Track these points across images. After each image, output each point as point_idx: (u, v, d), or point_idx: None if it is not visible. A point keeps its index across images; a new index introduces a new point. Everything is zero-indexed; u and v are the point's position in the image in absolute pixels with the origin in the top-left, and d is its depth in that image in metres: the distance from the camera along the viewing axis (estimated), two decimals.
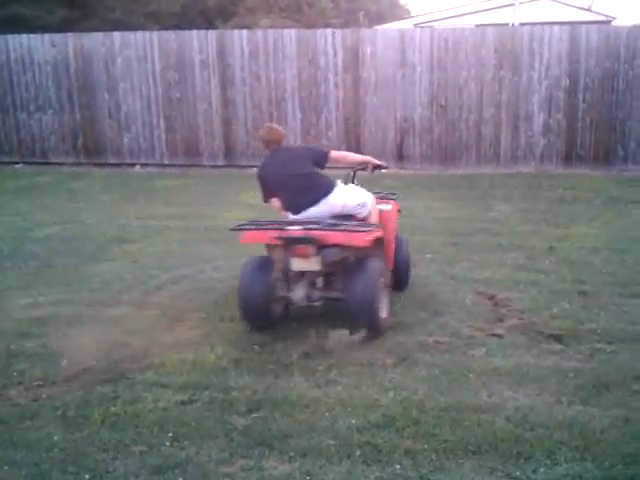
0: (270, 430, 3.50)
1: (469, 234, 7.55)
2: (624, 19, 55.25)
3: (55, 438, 3.51)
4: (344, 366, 4.25)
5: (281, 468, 3.20)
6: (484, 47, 11.66)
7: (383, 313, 4.74)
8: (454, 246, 7.08)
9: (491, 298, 5.44)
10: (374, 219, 5.14)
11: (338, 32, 12.34)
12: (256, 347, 4.57)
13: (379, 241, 5.01)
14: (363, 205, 5.12)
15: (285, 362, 4.32)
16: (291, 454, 3.30)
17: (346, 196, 5.08)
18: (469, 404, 3.75)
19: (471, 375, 4.11)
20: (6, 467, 3.27)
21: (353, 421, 3.57)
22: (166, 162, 13.07)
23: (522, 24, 16.98)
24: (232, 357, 4.40)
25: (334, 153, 5.28)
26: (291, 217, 5.06)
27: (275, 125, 5.42)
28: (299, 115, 12.43)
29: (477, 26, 14.91)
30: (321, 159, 5.14)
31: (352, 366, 4.26)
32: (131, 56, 12.87)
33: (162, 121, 12.98)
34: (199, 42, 12.60)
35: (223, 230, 7.95)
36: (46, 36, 13.39)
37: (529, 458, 3.25)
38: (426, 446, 3.34)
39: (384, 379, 4.07)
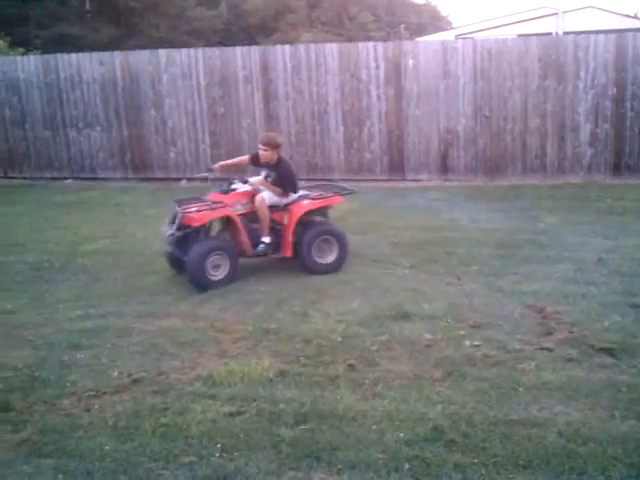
0: (318, 442, 3.51)
1: (516, 246, 7.45)
2: None
3: (107, 448, 3.57)
4: (390, 379, 4.24)
5: None
6: (528, 57, 11.54)
7: None
8: (501, 258, 6.99)
9: (540, 311, 5.36)
10: None
11: (380, 45, 12.37)
12: (302, 359, 4.59)
13: None
14: None
15: (331, 375, 4.33)
16: (339, 466, 3.30)
17: None
18: (519, 418, 3.70)
19: (520, 389, 4.05)
20: (61, 476, 3.34)
21: (401, 434, 3.55)
22: (210, 176, 13.21)
23: (566, 33, 16.79)
24: (278, 369, 4.42)
25: None
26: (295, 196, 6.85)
27: None
28: (341, 128, 12.47)
29: (520, 36, 14.79)
30: None
31: (399, 379, 4.24)
32: (176, 73, 13.11)
33: (207, 136, 13.17)
34: (242, 58, 12.77)
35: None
36: (94, 54, 13.75)
37: (582, 474, 3.18)
38: (476, 460, 3.30)
39: (431, 392, 4.04)
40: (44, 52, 17.57)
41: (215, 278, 6.39)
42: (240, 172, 7.34)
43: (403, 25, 31.61)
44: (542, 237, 7.84)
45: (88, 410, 4.01)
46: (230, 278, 6.47)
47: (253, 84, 12.77)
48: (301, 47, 12.93)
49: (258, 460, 3.38)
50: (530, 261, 6.85)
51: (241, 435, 3.62)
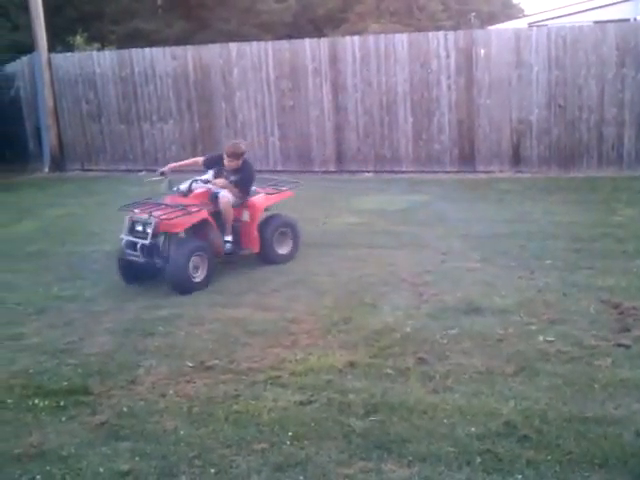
0: (388, 434, 3.51)
1: (591, 240, 7.23)
2: None
3: (181, 433, 3.67)
4: (461, 373, 4.20)
5: (400, 472, 3.20)
6: (605, 44, 11.15)
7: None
8: (576, 252, 6.80)
9: (616, 307, 5.19)
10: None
11: (450, 34, 12.18)
12: (371, 350, 4.59)
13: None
14: None
15: (401, 367, 4.32)
16: (410, 459, 3.30)
17: None
18: (594, 416, 3.61)
19: (596, 386, 3.95)
20: (137, 458, 3.45)
21: (473, 429, 3.52)
22: (279, 168, 13.35)
23: None
24: (348, 360, 4.45)
25: None
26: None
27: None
28: (410, 119, 12.37)
29: (596, 23, 14.31)
30: None
31: (470, 373, 4.20)
32: (247, 66, 13.27)
33: (276, 128, 13.29)
34: (312, 50, 12.80)
35: (334, 235, 8.07)
36: (167, 49, 14.08)
37: None
38: (549, 457, 3.25)
39: (504, 388, 3.99)
40: (119, 47, 18.07)
41: (197, 280, 6.25)
42: (194, 173, 7.14)
43: (474, 14, 30.99)
44: (619, 231, 7.58)
45: (163, 395, 4.13)
46: (209, 279, 6.36)
47: (322, 76, 12.79)
48: (370, 38, 12.88)
49: (329, 449, 3.41)
50: (606, 255, 6.64)
51: (312, 424, 3.66)
